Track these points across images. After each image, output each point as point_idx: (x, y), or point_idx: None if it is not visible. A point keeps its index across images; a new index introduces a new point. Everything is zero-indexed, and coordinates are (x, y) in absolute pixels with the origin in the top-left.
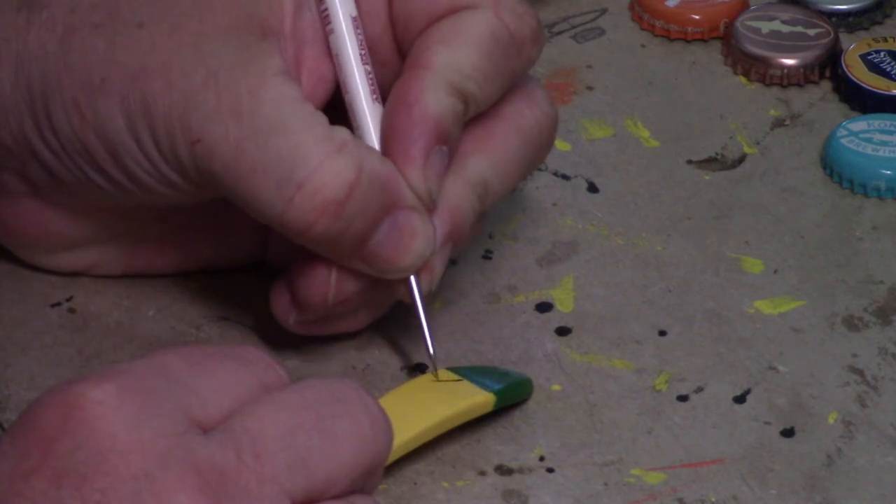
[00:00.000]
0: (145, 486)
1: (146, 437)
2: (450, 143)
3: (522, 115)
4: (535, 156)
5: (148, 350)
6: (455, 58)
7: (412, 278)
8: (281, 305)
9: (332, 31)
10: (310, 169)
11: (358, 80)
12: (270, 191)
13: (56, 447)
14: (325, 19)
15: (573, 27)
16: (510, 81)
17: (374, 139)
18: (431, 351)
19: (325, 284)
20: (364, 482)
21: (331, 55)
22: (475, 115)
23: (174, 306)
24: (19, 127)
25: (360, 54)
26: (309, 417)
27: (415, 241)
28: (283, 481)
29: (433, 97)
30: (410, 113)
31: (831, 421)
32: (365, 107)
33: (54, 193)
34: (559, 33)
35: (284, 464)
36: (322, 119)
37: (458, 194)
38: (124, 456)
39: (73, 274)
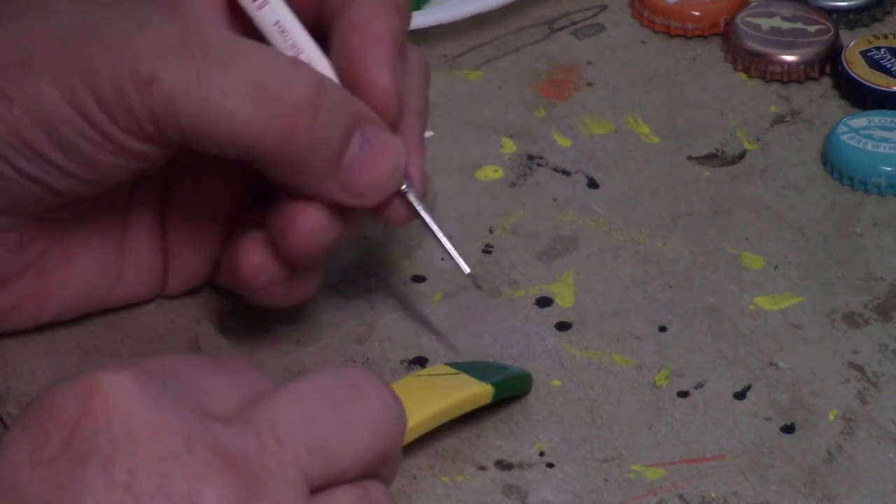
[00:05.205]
0: (173, 467)
1: (170, 419)
2: (403, 56)
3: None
4: None
5: (147, 344)
6: None
7: (411, 193)
8: (253, 264)
9: None
10: (281, 77)
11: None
12: (247, 108)
13: (79, 431)
14: None
15: (573, 24)
16: None
17: (322, 63)
18: (463, 266)
19: (317, 223)
20: (380, 469)
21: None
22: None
23: (174, 300)
24: None
25: None
26: (324, 403)
27: (389, 153)
28: (304, 465)
29: (383, 16)
30: (367, 32)
31: (832, 417)
32: (307, 36)
33: None
34: (559, 30)
35: (304, 448)
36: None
37: (417, 93)
38: (151, 436)
39: None
